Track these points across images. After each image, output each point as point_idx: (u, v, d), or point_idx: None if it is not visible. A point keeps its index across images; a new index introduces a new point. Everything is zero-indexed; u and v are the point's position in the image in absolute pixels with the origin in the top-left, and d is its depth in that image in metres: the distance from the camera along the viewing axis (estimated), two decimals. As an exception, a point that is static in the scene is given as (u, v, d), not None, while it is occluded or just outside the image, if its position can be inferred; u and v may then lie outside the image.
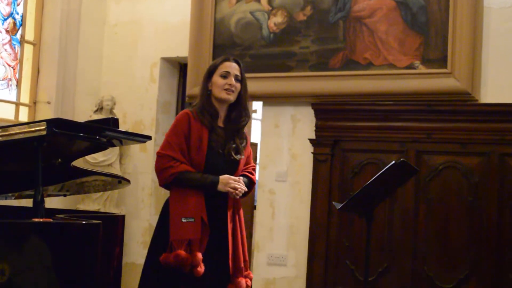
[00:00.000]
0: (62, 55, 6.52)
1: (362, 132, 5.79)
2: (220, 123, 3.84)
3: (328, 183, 5.85)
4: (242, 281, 3.78)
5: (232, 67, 3.83)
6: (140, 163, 6.78)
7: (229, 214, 3.77)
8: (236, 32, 6.23)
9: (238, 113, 3.86)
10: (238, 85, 3.82)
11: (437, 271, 5.48)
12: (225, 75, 3.80)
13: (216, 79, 3.81)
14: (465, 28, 5.39)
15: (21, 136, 2.78)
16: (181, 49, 6.60)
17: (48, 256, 2.67)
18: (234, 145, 3.80)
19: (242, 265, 3.79)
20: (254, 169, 4.02)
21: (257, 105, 8.60)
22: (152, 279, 3.66)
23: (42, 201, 2.94)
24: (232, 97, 3.81)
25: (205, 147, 3.72)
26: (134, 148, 6.72)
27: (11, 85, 6.32)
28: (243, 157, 3.85)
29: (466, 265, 5.40)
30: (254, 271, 6.20)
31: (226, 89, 3.78)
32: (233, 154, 3.79)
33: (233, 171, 3.80)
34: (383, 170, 4.25)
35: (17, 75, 6.39)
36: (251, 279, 3.88)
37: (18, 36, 6.40)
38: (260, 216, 6.24)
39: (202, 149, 3.71)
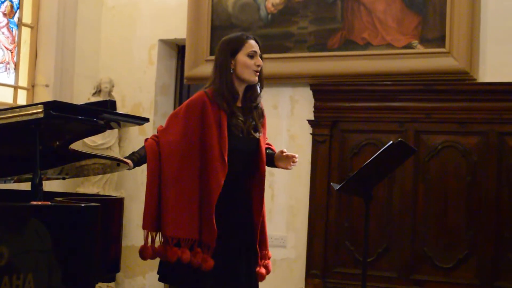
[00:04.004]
0: (60, 38, 6.49)
1: (360, 112, 5.79)
2: (239, 103, 3.72)
3: (327, 164, 5.85)
4: (270, 263, 3.84)
5: (257, 46, 3.71)
6: (139, 146, 6.62)
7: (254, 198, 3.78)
8: (234, 13, 6.21)
9: (255, 91, 3.75)
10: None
11: (437, 251, 5.49)
12: (252, 55, 3.66)
13: (243, 58, 3.65)
14: (463, 7, 5.37)
15: (19, 119, 2.77)
16: (179, 30, 6.58)
17: (47, 239, 2.67)
18: (253, 123, 3.72)
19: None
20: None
21: (255, 87, 8.58)
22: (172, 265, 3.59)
23: (41, 184, 2.95)
24: (257, 79, 3.71)
25: (225, 133, 3.58)
26: (133, 131, 6.71)
27: (9, 68, 6.31)
28: (261, 134, 3.77)
29: (465, 245, 5.41)
30: (254, 252, 6.22)
31: (254, 70, 3.66)
32: (252, 132, 3.71)
33: (256, 151, 3.74)
34: (381, 150, 4.26)
35: (15, 58, 6.37)
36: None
37: (16, 19, 6.38)
38: (260, 197, 6.24)
39: (223, 135, 3.57)
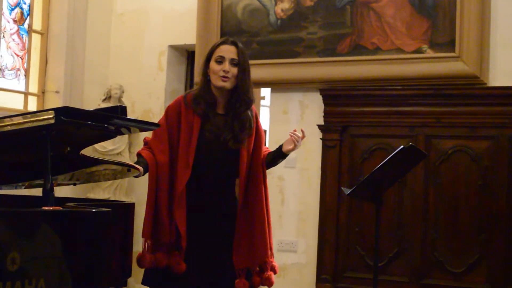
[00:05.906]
0: (70, 45, 6.52)
1: (370, 117, 5.79)
2: (220, 110, 3.67)
3: (337, 169, 5.85)
4: (269, 275, 3.72)
5: (228, 51, 3.62)
6: (149, 151, 6.78)
7: (237, 204, 3.71)
8: (243, 18, 6.21)
9: (237, 98, 3.65)
10: (234, 70, 3.61)
11: (448, 256, 5.48)
12: (220, 60, 3.60)
13: (212, 64, 3.63)
14: (473, 11, 5.36)
15: (30, 125, 2.77)
16: (188, 36, 6.60)
17: (58, 245, 2.67)
18: (231, 134, 3.61)
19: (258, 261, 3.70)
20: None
21: (265, 92, 8.59)
22: (155, 271, 3.61)
23: (52, 190, 2.95)
24: (227, 84, 3.61)
25: (195, 137, 3.58)
26: (143, 137, 6.69)
27: (19, 75, 6.34)
28: (241, 144, 3.64)
29: (477, 250, 5.40)
30: (264, 257, 6.21)
31: (221, 76, 3.59)
32: (230, 143, 3.61)
33: (234, 162, 3.65)
34: (392, 155, 4.25)
35: (25, 65, 6.40)
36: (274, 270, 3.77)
37: (26, 25, 6.41)
38: (270, 202, 6.23)
39: (192, 139, 3.58)
